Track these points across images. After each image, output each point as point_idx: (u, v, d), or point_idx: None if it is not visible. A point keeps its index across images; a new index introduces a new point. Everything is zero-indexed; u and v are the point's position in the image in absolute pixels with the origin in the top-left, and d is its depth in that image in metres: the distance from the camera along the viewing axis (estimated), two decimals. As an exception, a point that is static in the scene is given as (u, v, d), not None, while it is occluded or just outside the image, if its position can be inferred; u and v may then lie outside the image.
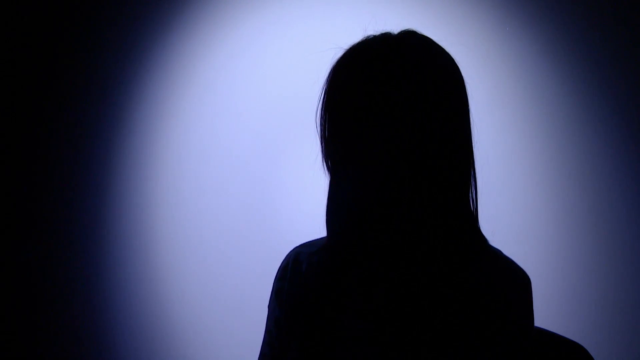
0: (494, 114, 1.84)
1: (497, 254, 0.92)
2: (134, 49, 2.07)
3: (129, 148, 2.07)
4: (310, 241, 1.02)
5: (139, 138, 2.06)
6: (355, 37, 0.92)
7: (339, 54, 0.91)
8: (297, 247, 1.02)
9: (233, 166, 1.99)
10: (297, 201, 1.90)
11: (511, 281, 0.89)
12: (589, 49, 1.80)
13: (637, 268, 1.77)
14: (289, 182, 1.93)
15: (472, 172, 0.91)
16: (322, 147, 0.92)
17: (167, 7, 2.04)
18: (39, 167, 2.12)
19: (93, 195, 2.09)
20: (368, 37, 0.91)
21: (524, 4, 1.84)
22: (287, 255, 1.02)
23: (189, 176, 2.02)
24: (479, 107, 1.83)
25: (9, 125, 2.13)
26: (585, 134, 1.80)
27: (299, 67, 1.88)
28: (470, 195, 0.91)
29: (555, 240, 1.81)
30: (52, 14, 2.11)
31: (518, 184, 1.83)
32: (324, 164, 0.92)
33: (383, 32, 0.91)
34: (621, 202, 1.78)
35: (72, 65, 2.11)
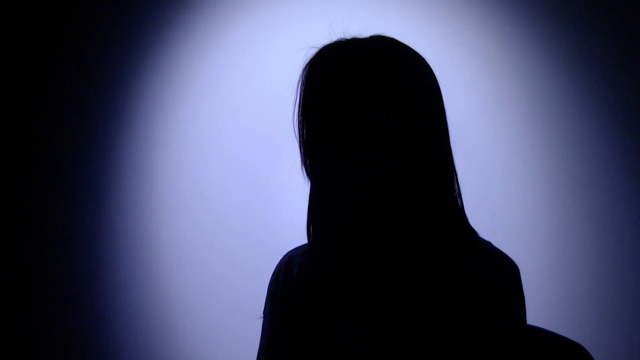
0: (494, 114, 1.84)
1: (486, 245, 0.93)
2: (132, 50, 2.07)
3: (128, 148, 2.07)
4: (304, 244, 1.02)
5: (138, 138, 2.06)
6: (345, 35, 0.93)
7: (310, 53, 0.92)
8: (290, 251, 1.03)
9: (233, 166, 1.98)
10: (298, 201, 1.89)
11: (501, 272, 0.90)
12: (589, 49, 1.80)
13: (637, 267, 1.77)
14: (288, 182, 1.93)
15: (452, 166, 0.92)
16: (300, 150, 0.91)
17: (166, 8, 2.04)
18: (38, 168, 2.12)
19: (92, 196, 2.09)
20: (339, 40, 0.92)
21: (524, 4, 1.84)
22: (280, 260, 1.03)
23: (189, 176, 2.02)
24: (479, 106, 1.84)
25: (9, 125, 2.13)
26: (586, 133, 1.80)
27: (298, 65, 1.88)
28: (454, 188, 0.91)
29: (556, 240, 1.81)
30: (52, 14, 2.11)
31: (518, 184, 1.83)
32: (303, 168, 0.92)
33: (353, 36, 0.92)
34: (621, 201, 1.78)
35: (72, 65, 2.11)
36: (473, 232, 0.92)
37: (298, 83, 0.91)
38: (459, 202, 0.92)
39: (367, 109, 0.85)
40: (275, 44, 1.96)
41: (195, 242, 2.02)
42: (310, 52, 0.92)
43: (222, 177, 1.99)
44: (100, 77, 2.09)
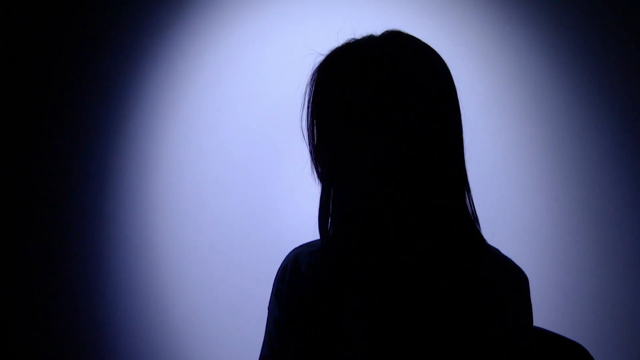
0: (493, 114, 1.84)
1: (494, 253, 0.92)
2: (132, 50, 2.07)
3: (128, 148, 2.07)
4: (311, 242, 1.01)
5: (138, 138, 2.06)
6: (352, 35, 0.92)
7: (319, 59, 0.90)
8: (297, 248, 1.02)
9: (233, 166, 1.98)
10: (298, 201, 1.90)
11: (509, 280, 0.89)
12: (589, 49, 1.81)
13: (637, 268, 1.77)
14: (289, 182, 1.93)
15: (464, 170, 0.90)
16: (311, 154, 0.91)
17: (167, 7, 2.04)
18: (39, 167, 2.12)
19: (93, 195, 2.09)
20: (350, 40, 0.90)
21: (524, 4, 1.84)
22: (287, 256, 1.02)
23: (189, 176, 2.02)
24: (479, 107, 1.84)
25: (9, 125, 2.13)
26: (585, 134, 1.81)
27: (298, 66, 1.88)
28: (466, 194, 0.90)
29: (555, 240, 1.81)
30: (52, 14, 2.11)
31: (518, 184, 1.83)
32: (314, 171, 0.92)
33: (367, 34, 0.90)
34: (621, 202, 1.78)
35: (72, 65, 2.11)
36: (481, 239, 0.91)
37: (307, 88, 0.90)
38: (470, 207, 0.90)
39: (379, 110, 0.83)
40: (276, 44, 1.96)
41: (195, 242, 2.02)
42: (319, 59, 0.90)
43: (223, 177, 1.99)
44: (101, 77, 2.09)
